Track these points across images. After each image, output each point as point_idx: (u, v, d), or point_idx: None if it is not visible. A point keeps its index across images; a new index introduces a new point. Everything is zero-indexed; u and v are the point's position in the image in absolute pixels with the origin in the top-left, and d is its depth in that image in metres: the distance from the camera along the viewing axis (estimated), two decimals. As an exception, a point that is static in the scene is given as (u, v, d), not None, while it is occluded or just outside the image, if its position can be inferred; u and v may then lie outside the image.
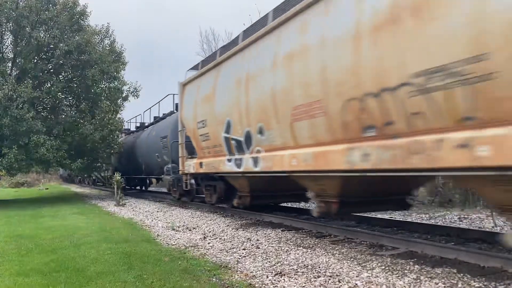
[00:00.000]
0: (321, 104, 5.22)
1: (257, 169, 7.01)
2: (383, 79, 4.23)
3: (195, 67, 10.29)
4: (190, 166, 10.15)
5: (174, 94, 14.77)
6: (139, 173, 17.94)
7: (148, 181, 21.81)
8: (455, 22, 3.46)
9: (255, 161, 7.04)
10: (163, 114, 16.66)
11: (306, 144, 5.71)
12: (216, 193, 9.58)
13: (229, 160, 8.03)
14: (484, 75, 3.27)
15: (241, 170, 7.58)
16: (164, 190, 17.04)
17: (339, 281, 3.87)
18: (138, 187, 22.65)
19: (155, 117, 17.92)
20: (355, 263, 4.53)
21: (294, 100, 5.75)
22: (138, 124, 21.14)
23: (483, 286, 3.56)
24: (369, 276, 3.98)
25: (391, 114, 4.22)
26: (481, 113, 3.40)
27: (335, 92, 4.93)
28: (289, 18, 6.01)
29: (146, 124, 19.16)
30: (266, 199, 8.46)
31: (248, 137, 7.22)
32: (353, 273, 4.11)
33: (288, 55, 5.90)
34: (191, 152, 10.34)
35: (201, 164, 9.44)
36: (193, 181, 10.91)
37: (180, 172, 10.95)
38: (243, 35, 7.72)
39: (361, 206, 6.03)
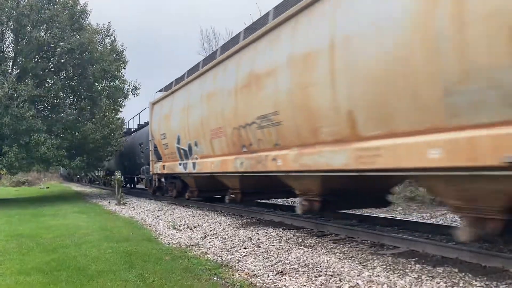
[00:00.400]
0: (223, 129, 8.11)
1: (195, 171, 9.92)
2: (246, 118, 7.12)
3: (161, 90, 13.17)
4: (157, 168, 13.07)
5: (150, 108, 17.54)
6: (124, 172, 20.78)
7: (136, 180, 24.66)
8: (268, 92, 6.34)
9: (194, 165, 9.94)
10: (145, 122, 19.51)
11: (218, 154, 8.62)
12: (175, 189, 12.52)
13: (180, 164, 10.93)
14: (278, 122, 6.16)
15: (186, 171, 10.50)
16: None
17: (340, 280, 3.89)
18: (127, 185, 25.53)
19: (138, 125, 20.81)
20: (356, 262, 4.55)
21: (211, 125, 8.64)
22: (125, 130, 24.06)
23: (484, 286, 3.57)
24: (370, 275, 3.99)
25: (251, 139, 7.11)
26: (281, 142, 6.29)
27: (228, 123, 7.83)
28: (208, 69, 8.91)
29: (132, 130, 22.06)
30: (209, 192, 11.32)
31: (190, 148, 10.12)
32: (354, 272, 4.13)
33: (208, 94, 8.79)
34: (159, 157, 13.23)
35: (164, 166, 12.35)
36: (163, 179, 13.83)
37: (151, 172, 13.89)
38: (187, 73, 10.60)
39: (255, 195, 8.98)
